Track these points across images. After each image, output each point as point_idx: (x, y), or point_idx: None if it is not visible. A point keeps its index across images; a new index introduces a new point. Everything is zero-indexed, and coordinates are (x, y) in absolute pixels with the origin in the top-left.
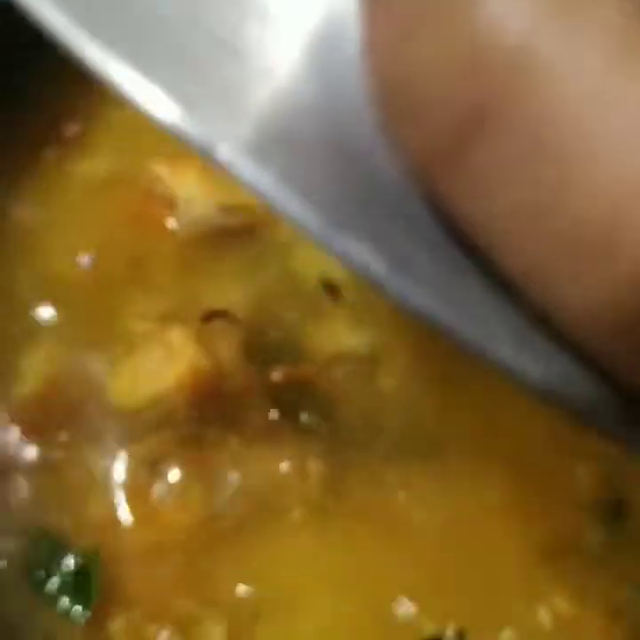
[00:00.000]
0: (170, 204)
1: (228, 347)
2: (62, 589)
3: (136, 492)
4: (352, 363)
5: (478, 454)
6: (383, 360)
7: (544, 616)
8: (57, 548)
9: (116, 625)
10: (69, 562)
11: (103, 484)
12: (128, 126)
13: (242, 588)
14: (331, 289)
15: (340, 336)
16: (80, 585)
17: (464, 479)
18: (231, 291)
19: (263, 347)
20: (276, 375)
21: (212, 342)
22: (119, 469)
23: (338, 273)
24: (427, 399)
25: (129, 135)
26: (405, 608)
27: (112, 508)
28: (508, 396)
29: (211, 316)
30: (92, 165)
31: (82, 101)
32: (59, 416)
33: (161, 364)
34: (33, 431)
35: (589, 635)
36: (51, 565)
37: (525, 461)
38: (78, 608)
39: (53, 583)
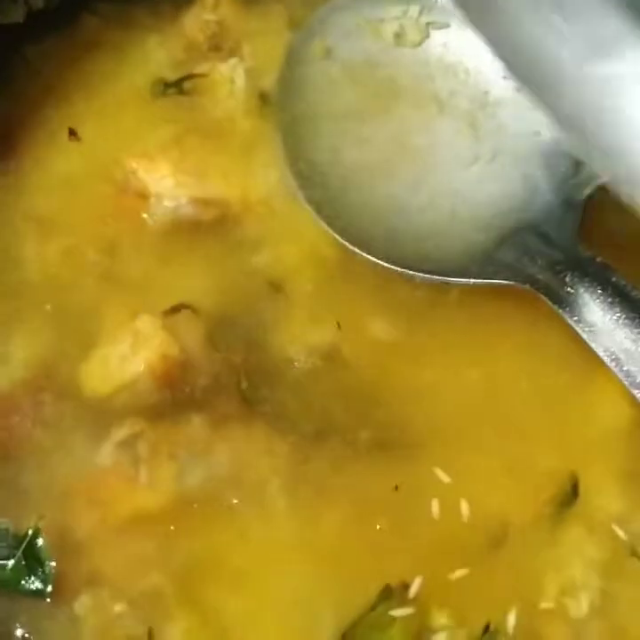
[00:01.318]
0: (143, 198)
1: (192, 336)
2: (17, 570)
3: (108, 472)
4: (313, 355)
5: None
6: (342, 352)
7: None
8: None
9: (82, 602)
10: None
11: (75, 465)
12: (103, 124)
13: (212, 564)
14: (275, 287)
15: (301, 330)
16: (32, 562)
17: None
18: (199, 283)
19: (227, 336)
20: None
21: (178, 331)
22: (91, 450)
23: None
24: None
25: (104, 133)
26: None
27: (84, 487)
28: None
29: (175, 309)
30: (69, 162)
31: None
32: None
33: (131, 351)
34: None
35: None
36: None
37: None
38: (39, 585)
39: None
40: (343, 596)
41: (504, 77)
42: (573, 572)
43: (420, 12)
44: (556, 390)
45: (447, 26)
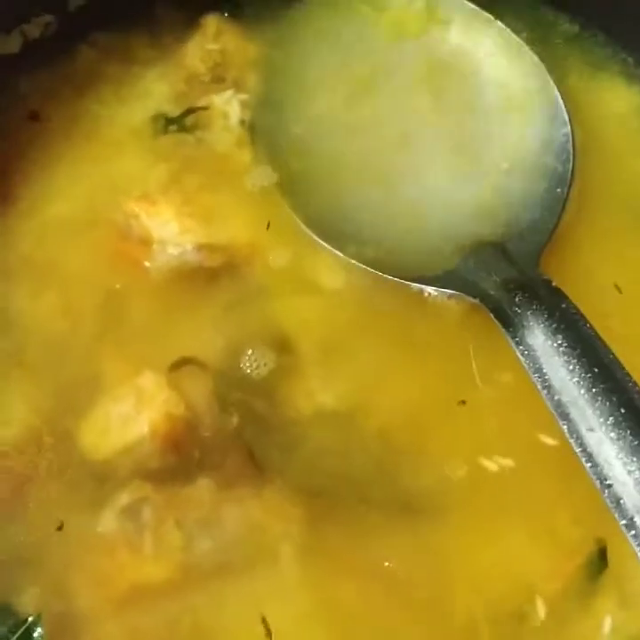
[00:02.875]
0: (145, 244)
1: (199, 393)
2: None
3: (110, 541)
4: (325, 415)
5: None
6: (358, 415)
7: None
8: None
9: None
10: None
11: (75, 533)
12: (103, 164)
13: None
14: (285, 340)
15: (313, 390)
16: None
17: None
18: (205, 335)
19: (235, 393)
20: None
21: (183, 388)
22: (92, 517)
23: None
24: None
25: (104, 173)
26: None
27: (85, 557)
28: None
29: (180, 363)
30: (67, 205)
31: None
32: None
33: (134, 411)
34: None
35: None
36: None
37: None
38: None
39: None
40: None
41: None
42: None
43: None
44: None
45: (449, 23)
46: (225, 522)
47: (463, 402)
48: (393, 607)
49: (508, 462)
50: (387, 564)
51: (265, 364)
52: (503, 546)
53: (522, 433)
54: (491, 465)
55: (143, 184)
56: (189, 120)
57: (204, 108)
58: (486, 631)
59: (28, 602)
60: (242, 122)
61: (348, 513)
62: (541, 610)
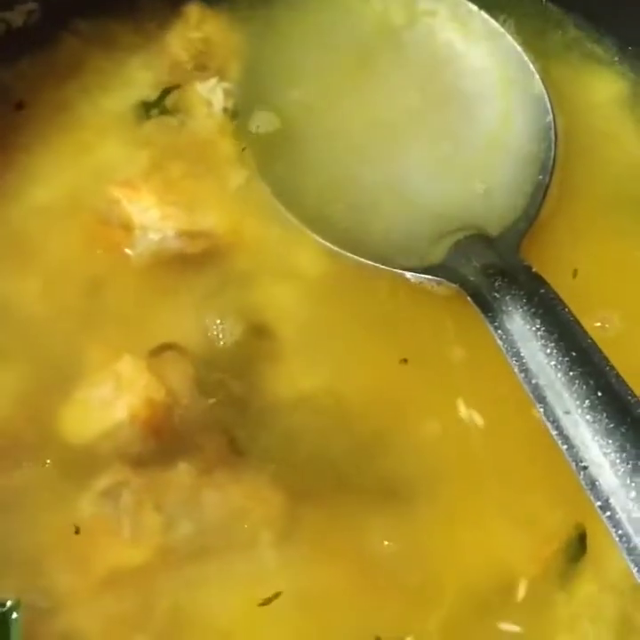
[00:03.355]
0: (126, 230)
1: (179, 378)
2: None
3: (89, 524)
4: (305, 400)
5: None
6: (337, 399)
7: None
8: None
9: None
10: None
11: (54, 516)
12: (86, 151)
13: (198, 623)
14: (266, 326)
15: (293, 375)
16: None
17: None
18: (186, 321)
19: (216, 379)
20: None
21: (164, 373)
22: (72, 500)
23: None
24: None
25: (87, 160)
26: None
27: (63, 540)
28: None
29: (161, 349)
30: (50, 191)
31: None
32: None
33: (113, 395)
34: None
35: None
36: None
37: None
38: None
39: None
40: None
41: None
42: (586, 631)
43: None
44: None
45: (434, 13)
46: (204, 506)
47: (443, 385)
48: (371, 590)
49: (490, 448)
50: (366, 547)
51: (246, 351)
52: (483, 530)
53: (504, 415)
54: (471, 451)
55: (126, 171)
56: (169, 102)
57: (177, 87)
58: (465, 614)
59: (5, 585)
60: (225, 110)
61: (327, 497)
62: (521, 593)
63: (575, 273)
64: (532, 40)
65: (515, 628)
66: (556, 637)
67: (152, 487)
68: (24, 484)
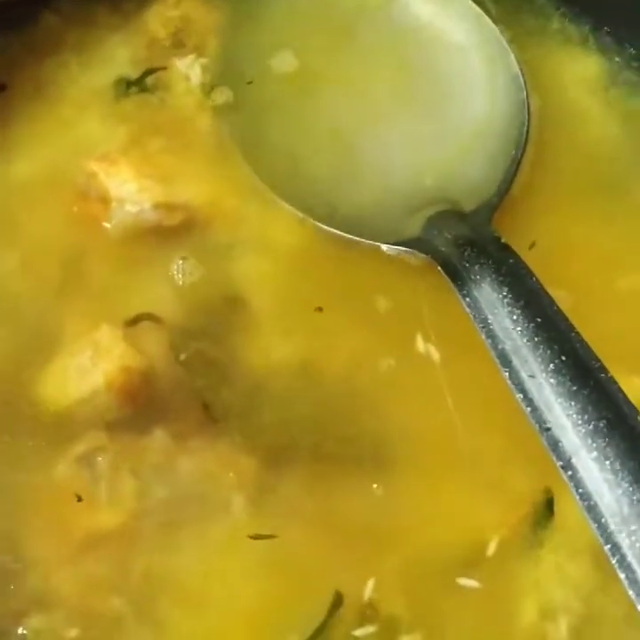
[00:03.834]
0: (104, 203)
1: (155, 347)
2: None
3: (65, 488)
4: (280, 369)
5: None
6: (312, 366)
7: None
8: None
9: (30, 626)
10: None
11: (30, 480)
12: (65, 127)
13: (172, 584)
14: (243, 297)
15: (268, 344)
16: None
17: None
18: (163, 292)
19: (191, 348)
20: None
21: (140, 342)
22: (48, 465)
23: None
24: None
25: (65, 136)
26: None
27: (39, 503)
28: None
29: (137, 319)
30: (28, 166)
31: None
32: None
33: (90, 363)
34: None
35: None
36: None
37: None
38: None
39: None
40: (308, 614)
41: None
42: (553, 595)
43: None
44: None
45: None
46: (179, 471)
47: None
48: (343, 556)
49: (459, 414)
50: (337, 510)
51: (222, 321)
52: (452, 496)
53: (472, 388)
54: (443, 416)
55: (104, 146)
56: (150, 81)
57: (163, 68)
58: (428, 569)
59: None
60: (202, 85)
61: (300, 463)
62: (488, 553)
63: (532, 245)
64: (509, 20)
65: (473, 584)
66: (521, 598)
67: (128, 453)
68: (1, 448)
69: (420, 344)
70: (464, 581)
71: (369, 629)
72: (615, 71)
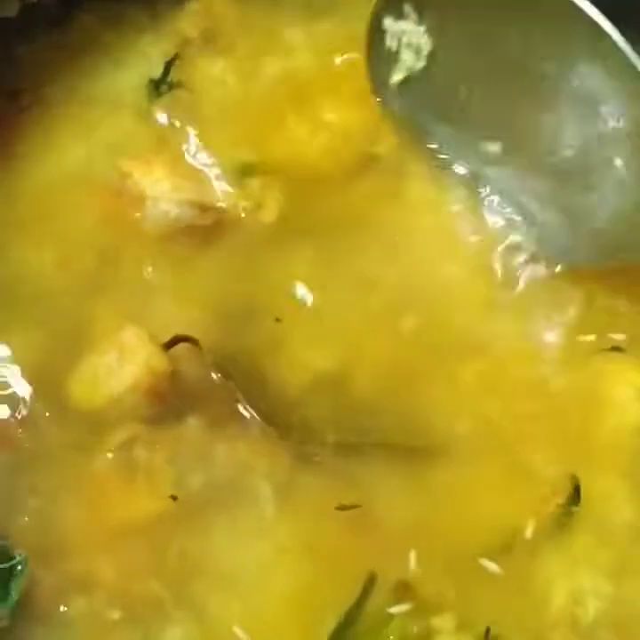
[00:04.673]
0: (138, 202)
1: (182, 350)
2: None
3: (104, 477)
4: (314, 375)
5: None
6: (346, 375)
7: None
8: None
9: (74, 608)
10: None
11: (71, 471)
12: (99, 127)
13: (208, 568)
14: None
15: (303, 350)
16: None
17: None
18: (196, 294)
19: (223, 352)
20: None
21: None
22: (87, 456)
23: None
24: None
25: (100, 135)
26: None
27: (79, 492)
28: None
29: (175, 342)
30: (64, 165)
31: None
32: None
33: (117, 364)
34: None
35: None
36: None
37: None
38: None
39: None
40: (342, 596)
41: None
42: (582, 579)
43: None
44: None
45: None
46: (213, 459)
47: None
48: (376, 540)
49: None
50: (367, 503)
51: (255, 326)
52: (483, 484)
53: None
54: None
55: (137, 145)
56: (177, 78)
57: (177, 57)
58: (465, 562)
59: (16, 532)
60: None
61: (330, 454)
62: (519, 544)
63: None
64: None
65: (503, 569)
66: (551, 584)
67: (164, 442)
68: (40, 440)
69: None
70: (494, 566)
71: (403, 607)
72: None
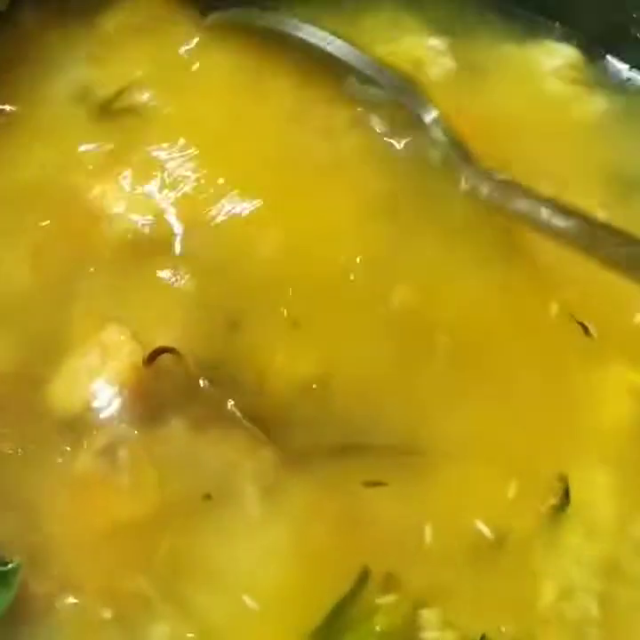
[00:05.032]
0: (97, 217)
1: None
2: None
3: (87, 480)
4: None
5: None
6: (332, 382)
7: None
8: None
9: (63, 609)
10: None
11: (53, 475)
12: (52, 140)
13: (195, 566)
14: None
15: (284, 359)
16: None
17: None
18: (163, 299)
19: (204, 354)
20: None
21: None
22: (70, 459)
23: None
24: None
25: (55, 146)
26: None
27: (63, 496)
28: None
29: (157, 353)
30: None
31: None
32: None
33: (99, 364)
34: None
35: None
36: None
37: None
38: None
39: None
40: (330, 593)
41: None
42: (572, 576)
43: None
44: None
45: None
46: (198, 460)
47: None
48: (366, 538)
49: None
50: (354, 505)
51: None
52: (475, 483)
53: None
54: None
55: (95, 160)
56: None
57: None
58: (455, 558)
59: (2, 535)
60: None
61: (321, 456)
62: (509, 540)
63: None
64: None
65: (493, 566)
66: (540, 580)
67: (147, 443)
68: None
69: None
70: (484, 563)
71: (390, 598)
72: None
